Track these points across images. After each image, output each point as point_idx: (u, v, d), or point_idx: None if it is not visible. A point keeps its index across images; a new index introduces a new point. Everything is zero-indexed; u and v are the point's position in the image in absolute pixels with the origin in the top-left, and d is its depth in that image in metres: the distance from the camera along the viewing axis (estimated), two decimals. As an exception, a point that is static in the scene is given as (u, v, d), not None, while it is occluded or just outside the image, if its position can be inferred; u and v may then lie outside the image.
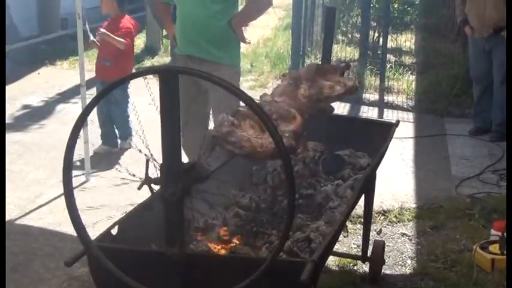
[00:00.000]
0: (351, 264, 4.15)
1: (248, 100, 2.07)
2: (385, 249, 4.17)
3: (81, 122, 2.21)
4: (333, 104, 3.37)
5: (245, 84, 8.53)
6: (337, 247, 4.11)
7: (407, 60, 10.17)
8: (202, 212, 2.82)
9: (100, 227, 4.53)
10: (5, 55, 6.63)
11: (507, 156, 5.22)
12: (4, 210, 4.44)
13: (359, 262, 4.12)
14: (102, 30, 5.99)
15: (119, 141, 6.31)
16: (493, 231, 4.28)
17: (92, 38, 6.01)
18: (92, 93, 6.60)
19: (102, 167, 5.80)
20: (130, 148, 6.21)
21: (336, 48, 9.04)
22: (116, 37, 5.95)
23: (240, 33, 4.52)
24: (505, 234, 4.04)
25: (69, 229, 4.30)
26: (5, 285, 3.20)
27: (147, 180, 2.33)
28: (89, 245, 2.27)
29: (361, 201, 3.71)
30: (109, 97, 5.89)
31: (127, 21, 6.19)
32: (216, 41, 4.47)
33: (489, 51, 6.73)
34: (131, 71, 6.14)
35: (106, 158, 6.04)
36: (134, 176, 2.81)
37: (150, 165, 2.36)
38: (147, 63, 10.04)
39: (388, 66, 9.04)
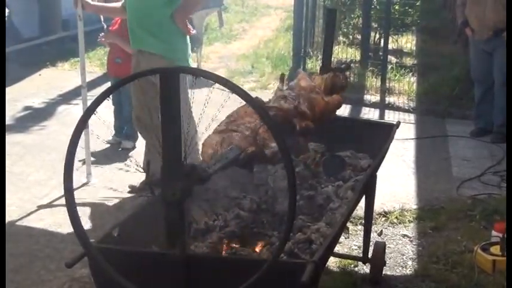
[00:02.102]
0: (352, 266, 4.15)
1: (252, 101, 2.07)
2: (386, 251, 4.17)
3: (82, 125, 2.21)
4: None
5: (246, 86, 8.52)
6: (338, 248, 4.10)
7: (408, 61, 10.17)
8: (204, 212, 2.82)
9: (101, 228, 4.54)
10: (5, 56, 6.62)
11: (507, 158, 5.22)
12: (4, 211, 4.44)
13: (360, 263, 4.12)
14: (112, 33, 6.01)
15: (122, 140, 6.31)
16: (494, 233, 4.27)
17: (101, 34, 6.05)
18: (94, 94, 6.59)
19: (103, 167, 5.80)
20: (132, 149, 6.22)
21: (337, 49, 9.04)
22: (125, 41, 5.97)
23: (183, 26, 4.63)
24: (505, 235, 4.04)
25: (70, 230, 4.30)
26: (5, 286, 3.19)
27: (148, 181, 2.33)
28: (88, 247, 2.27)
29: (362, 203, 3.70)
30: (122, 92, 5.93)
31: None
32: (155, 32, 4.62)
33: (490, 53, 6.73)
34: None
35: (107, 158, 6.04)
36: (139, 167, 2.76)
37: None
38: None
39: (389, 67, 9.04)
